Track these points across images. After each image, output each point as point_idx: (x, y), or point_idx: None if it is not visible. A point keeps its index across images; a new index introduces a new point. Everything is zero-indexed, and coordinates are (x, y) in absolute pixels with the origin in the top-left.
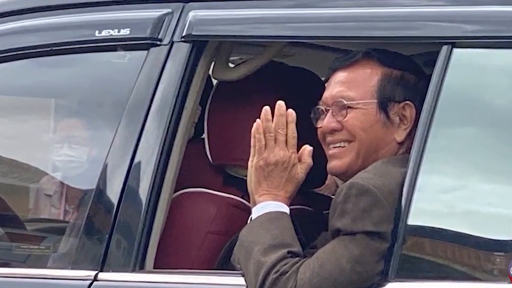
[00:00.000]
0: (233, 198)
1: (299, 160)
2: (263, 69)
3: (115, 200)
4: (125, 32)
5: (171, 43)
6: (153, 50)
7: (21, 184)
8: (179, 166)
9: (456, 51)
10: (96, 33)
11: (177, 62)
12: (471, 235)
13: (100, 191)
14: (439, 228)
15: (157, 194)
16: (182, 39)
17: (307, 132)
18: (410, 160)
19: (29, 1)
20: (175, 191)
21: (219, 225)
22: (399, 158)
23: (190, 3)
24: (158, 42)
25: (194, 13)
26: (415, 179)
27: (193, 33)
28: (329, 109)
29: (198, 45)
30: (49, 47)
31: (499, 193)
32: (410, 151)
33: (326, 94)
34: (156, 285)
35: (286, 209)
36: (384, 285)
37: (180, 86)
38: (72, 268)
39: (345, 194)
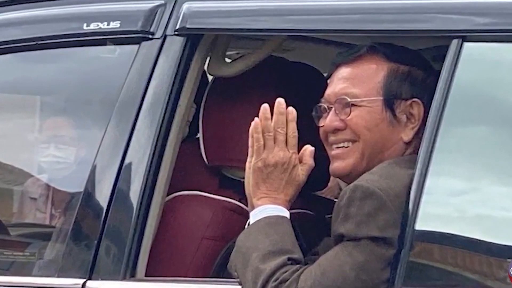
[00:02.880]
0: (229, 202)
1: (300, 161)
2: (261, 65)
3: (104, 204)
4: (115, 25)
5: (164, 37)
6: (144, 44)
7: (4, 187)
8: (172, 168)
9: (467, 45)
10: (84, 26)
11: (170, 57)
12: (482, 240)
13: (89, 194)
14: (448, 234)
15: (149, 197)
16: (176, 33)
17: (308, 131)
18: (418, 161)
19: None
20: (168, 194)
21: (215, 230)
22: (406, 159)
23: None
24: (150, 36)
25: (188, 5)
26: (423, 181)
27: (187, 26)
28: (331, 107)
29: (193, 38)
30: (34, 41)
31: None
32: (418, 152)
33: (328, 91)
34: None
35: (286, 213)
36: None
37: (174, 82)
38: (59, 276)
39: (349, 197)
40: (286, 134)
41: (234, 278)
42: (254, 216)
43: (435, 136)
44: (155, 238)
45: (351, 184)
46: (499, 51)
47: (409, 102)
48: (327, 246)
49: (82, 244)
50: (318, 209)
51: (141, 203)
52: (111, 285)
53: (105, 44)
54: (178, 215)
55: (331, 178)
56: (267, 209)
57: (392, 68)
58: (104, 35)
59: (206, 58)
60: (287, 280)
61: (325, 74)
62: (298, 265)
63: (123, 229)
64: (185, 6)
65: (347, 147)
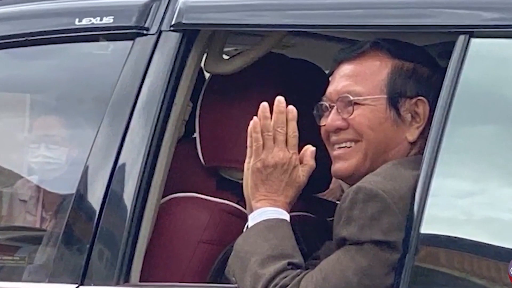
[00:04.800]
0: (227, 204)
1: (301, 162)
2: (260, 61)
3: (97, 206)
4: (108, 20)
5: (159, 33)
6: (139, 40)
7: None
8: (168, 169)
9: (474, 41)
10: (76, 22)
11: (166, 54)
12: (490, 244)
13: (81, 196)
14: (455, 237)
15: (143, 200)
16: (171, 28)
17: (309, 131)
18: (423, 161)
19: None
20: (163, 196)
21: (212, 234)
22: (411, 159)
23: None
24: (145, 32)
25: None
26: (429, 182)
27: (183, 21)
28: (333, 106)
29: (189, 34)
30: (24, 37)
31: None
32: (423, 152)
33: (330, 89)
34: None
35: (286, 216)
36: None
37: (169, 80)
38: (50, 281)
39: (352, 199)
40: (286, 133)
41: (232, 284)
42: (253, 219)
43: (441, 135)
44: (150, 242)
45: (354, 186)
46: (507, 47)
47: (414, 100)
48: (328, 250)
49: (74, 248)
50: (319, 212)
51: (135, 206)
52: None
53: (98, 40)
54: (174, 218)
55: (333, 179)
56: (266, 212)
57: (396, 65)
58: (97, 31)
59: (203, 54)
60: (287, 286)
61: (326, 71)
62: (298, 270)
63: (117, 233)
64: (181, 0)
65: (350, 147)
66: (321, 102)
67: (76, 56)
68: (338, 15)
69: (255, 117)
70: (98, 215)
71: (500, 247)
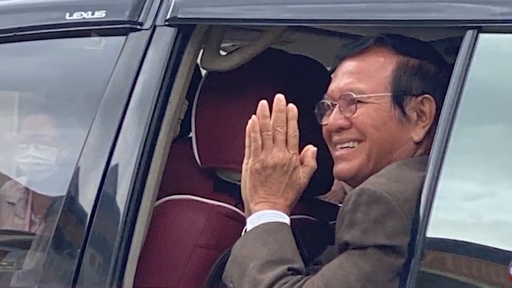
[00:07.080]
0: (224, 207)
1: (301, 163)
2: (259, 58)
3: (88, 209)
4: (100, 14)
5: (153, 28)
6: (132, 35)
7: None
8: (163, 170)
9: (482, 36)
10: (67, 16)
11: (160, 50)
12: (499, 249)
13: (72, 199)
14: (462, 241)
15: (137, 202)
16: (166, 23)
17: (310, 130)
18: (429, 162)
19: None
20: (158, 199)
21: (209, 238)
22: (416, 160)
23: None
24: (138, 27)
25: None
26: (435, 184)
27: (179, 16)
28: (336, 104)
29: (185, 29)
30: (12, 32)
31: None
32: (429, 152)
33: (332, 86)
34: None
35: (286, 219)
36: None
37: (164, 77)
38: None
39: (354, 202)
40: (286, 133)
41: None
42: (252, 222)
43: (448, 135)
44: (144, 246)
45: (357, 188)
46: None
47: (419, 98)
48: (330, 255)
49: (64, 253)
50: (321, 215)
51: (128, 208)
52: None
53: (89, 36)
54: (169, 221)
55: (335, 181)
56: (265, 215)
57: (401, 62)
58: (89, 26)
59: (199, 50)
60: None
61: (328, 68)
62: (299, 276)
63: (109, 236)
64: None
65: (353, 147)
66: (323, 100)
67: (67, 52)
68: (340, 9)
69: (253, 116)
70: (90, 218)
71: (509, 251)
